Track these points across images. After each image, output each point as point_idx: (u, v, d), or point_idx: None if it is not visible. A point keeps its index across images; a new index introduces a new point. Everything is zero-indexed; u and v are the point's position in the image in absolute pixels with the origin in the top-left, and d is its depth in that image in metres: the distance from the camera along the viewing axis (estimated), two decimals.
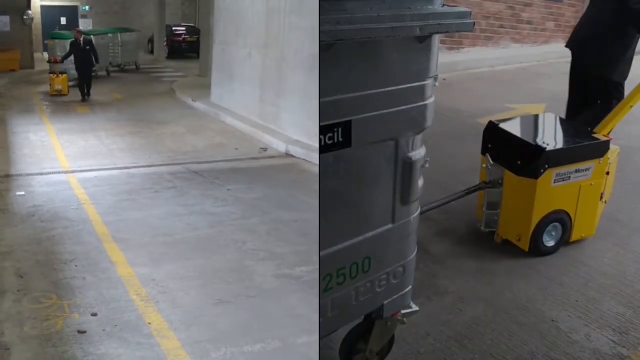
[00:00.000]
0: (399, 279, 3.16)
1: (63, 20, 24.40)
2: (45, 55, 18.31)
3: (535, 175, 4.54)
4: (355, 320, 3.23)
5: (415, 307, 3.38)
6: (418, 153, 2.93)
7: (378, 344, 3.35)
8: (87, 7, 25.24)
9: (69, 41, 15.85)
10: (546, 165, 4.53)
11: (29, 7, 20.67)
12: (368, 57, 2.61)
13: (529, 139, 4.82)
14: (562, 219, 4.77)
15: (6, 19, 19.44)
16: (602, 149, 4.78)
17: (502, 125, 4.99)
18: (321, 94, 2.49)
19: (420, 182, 3.01)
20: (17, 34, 19.39)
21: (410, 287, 3.27)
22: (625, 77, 5.79)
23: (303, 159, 9.20)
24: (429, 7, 2.69)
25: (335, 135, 2.57)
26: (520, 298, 4.31)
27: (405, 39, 2.68)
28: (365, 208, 2.86)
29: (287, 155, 9.71)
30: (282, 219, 6.55)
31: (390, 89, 2.71)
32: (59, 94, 14.88)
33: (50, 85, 15.09)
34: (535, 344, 3.80)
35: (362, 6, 2.48)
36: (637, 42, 5.75)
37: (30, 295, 4.71)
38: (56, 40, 17.05)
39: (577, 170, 4.67)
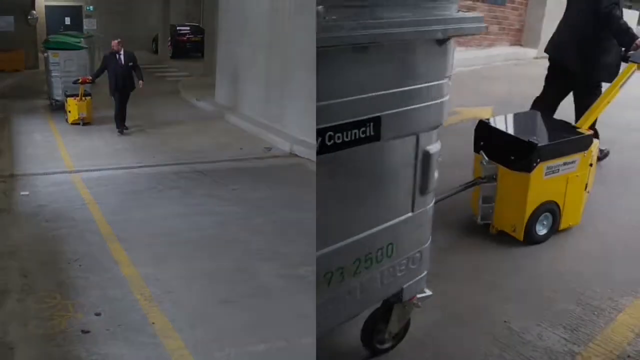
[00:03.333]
0: (416, 264, 3.37)
1: (67, 21, 24.43)
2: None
3: (529, 169, 4.75)
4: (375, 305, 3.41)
5: (429, 292, 3.54)
6: (435, 147, 3.17)
7: (397, 326, 3.53)
8: (91, 7, 25.27)
9: (74, 50, 13.02)
10: (538, 160, 4.75)
11: (33, 7, 20.69)
12: (396, 58, 2.83)
13: (521, 136, 4.99)
14: (552, 209, 5.01)
15: (11, 19, 19.44)
16: (586, 143, 5.06)
17: (493, 124, 5.21)
18: (354, 92, 2.68)
19: (436, 174, 3.22)
20: (22, 34, 19.39)
21: (425, 272, 3.46)
22: (607, 79, 5.92)
23: (307, 159, 9.18)
24: (447, 12, 2.95)
25: (367, 130, 2.77)
26: (474, 301, 4.22)
27: (427, 41, 2.91)
28: (389, 198, 3.10)
29: (292, 155, 9.71)
30: (288, 219, 6.55)
31: (414, 87, 2.93)
32: (82, 122, 11.53)
33: (69, 112, 11.61)
34: (488, 346, 3.74)
35: (390, 12, 2.72)
36: (616, 44, 6.00)
37: (35, 295, 4.72)
38: (60, 52, 12.87)
39: (565, 164, 4.93)
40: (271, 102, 11.41)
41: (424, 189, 3.18)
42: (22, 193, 7.29)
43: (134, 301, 4.68)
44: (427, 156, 3.11)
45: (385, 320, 3.49)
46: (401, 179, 3.10)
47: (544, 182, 4.85)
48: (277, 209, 6.91)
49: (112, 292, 4.81)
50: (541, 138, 4.94)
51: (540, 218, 4.97)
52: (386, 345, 3.60)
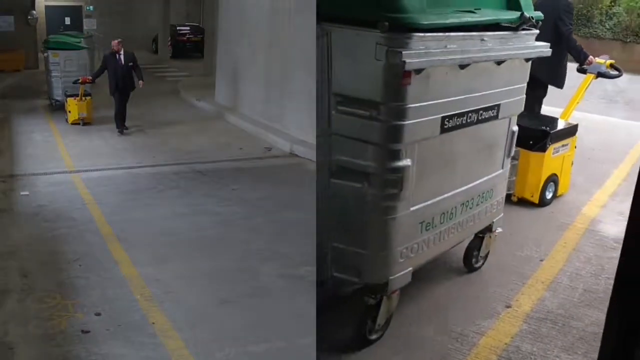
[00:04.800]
0: (500, 207, 4.80)
1: (67, 21, 24.40)
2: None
3: (544, 150, 6.30)
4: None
5: (500, 229, 4.92)
6: (516, 127, 4.68)
7: (485, 251, 4.96)
8: (91, 7, 25.23)
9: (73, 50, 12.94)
10: (550, 143, 6.30)
11: (33, 7, 20.68)
12: (509, 68, 4.25)
13: (535, 127, 6.41)
14: (555, 180, 6.60)
15: (11, 19, 19.42)
16: (575, 130, 6.77)
17: None
18: (490, 88, 4.16)
19: (514, 145, 4.78)
20: (22, 34, 19.37)
21: (502, 214, 4.88)
22: (561, 85, 7.39)
23: (307, 159, 9.15)
24: (530, 42, 4.49)
25: (493, 113, 4.24)
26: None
27: (521, 59, 4.44)
28: (494, 157, 4.55)
29: (292, 155, 9.70)
30: (288, 219, 6.55)
31: (515, 86, 4.44)
32: (83, 122, 11.49)
33: (70, 112, 11.58)
34: None
35: (509, 41, 4.29)
36: (566, 56, 7.41)
37: (35, 295, 4.72)
38: (60, 52, 12.84)
39: (563, 146, 6.54)
40: (271, 102, 11.39)
41: (509, 154, 4.71)
42: (22, 193, 7.28)
43: (134, 301, 4.67)
44: (512, 132, 4.64)
45: (478, 247, 4.88)
46: (500, 145, 4.57)
47: (551, 159, 6.41)
48: (277, 209, 6.91)
49: (112, 292, 4.81)
50: (549, 127, 6.41)
51: (548, 186, 6.50)
52: (478, 265, 4.96)
